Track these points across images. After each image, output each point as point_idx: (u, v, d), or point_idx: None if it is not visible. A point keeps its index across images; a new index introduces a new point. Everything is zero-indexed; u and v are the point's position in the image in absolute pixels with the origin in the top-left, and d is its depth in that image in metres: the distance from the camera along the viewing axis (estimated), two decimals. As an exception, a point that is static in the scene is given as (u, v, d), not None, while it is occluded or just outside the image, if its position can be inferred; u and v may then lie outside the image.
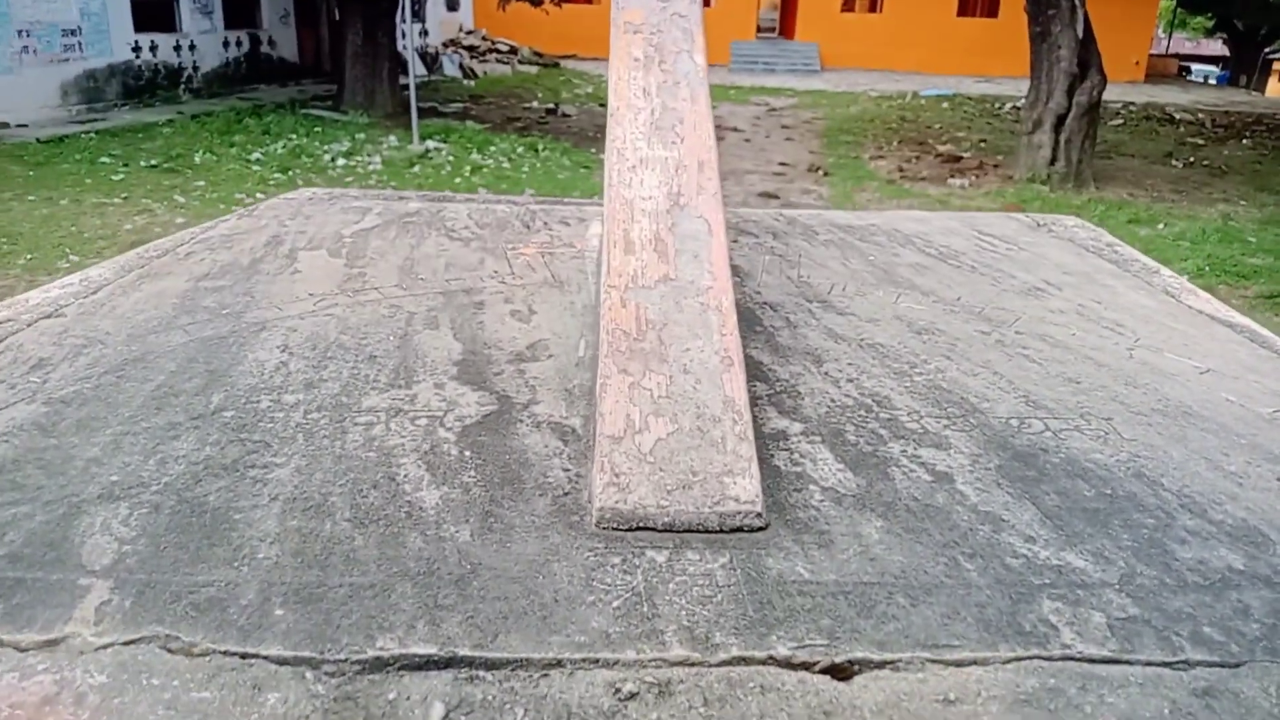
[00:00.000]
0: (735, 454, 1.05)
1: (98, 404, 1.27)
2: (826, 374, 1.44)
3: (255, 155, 8.87)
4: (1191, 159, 11.81)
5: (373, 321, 1.61)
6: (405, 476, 1.10)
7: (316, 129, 10.35)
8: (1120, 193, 9.55)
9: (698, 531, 1.00)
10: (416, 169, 8.94)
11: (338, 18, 11.72)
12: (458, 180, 8.62)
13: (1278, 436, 1.28)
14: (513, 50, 20.73)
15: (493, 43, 21.23)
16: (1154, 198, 9.46)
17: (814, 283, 1.90)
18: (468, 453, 1.17)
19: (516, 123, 12.28)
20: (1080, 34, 9.07)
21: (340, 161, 8.97)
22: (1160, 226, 8.17)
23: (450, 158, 9.45)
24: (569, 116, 13.54)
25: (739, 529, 1.00)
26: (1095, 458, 1.20)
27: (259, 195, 7.47)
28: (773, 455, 1.18)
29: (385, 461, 1.14)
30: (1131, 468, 1.18)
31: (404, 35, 12.23)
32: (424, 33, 17.70)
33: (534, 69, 19.23)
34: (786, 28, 22.94)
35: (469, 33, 21.79)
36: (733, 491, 1.01)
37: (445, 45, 19.81)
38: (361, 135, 10.20)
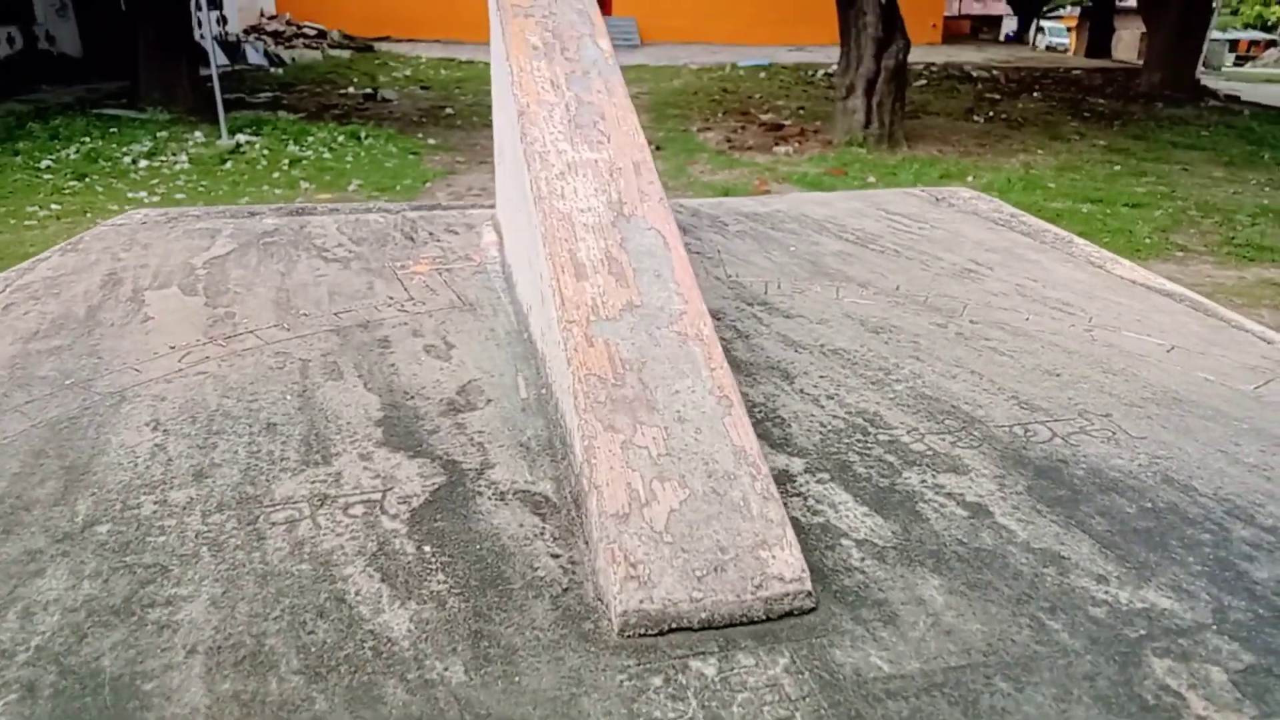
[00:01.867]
0: (765, 519, 0.89)
1: (-85, 535, 0.97)
2: (803, 391, 1.29)
3: (45, 163, 7.94)
4: (991, 114, 12.55)
5: (259, 376, 1.34)
6: (358, 594, 0.88)
7: (112, 130, 9.40)
8: (931, 150, 10.02)
9: (740, 625, 0.83)
10: (229, 165, 8.27)
11: (123, 8, 10.63)
12: (276, 174, 8.03)
13: (1273, 416, 1.23)
14: (321, 34, 19.64)
15: (299, 27, 20.04)
16: (961, 153, 9.99)
17: (745, 282, 1.76)
18: (427, 548, 0.95)
19: (334, 110, 11.61)
20: (884, 0, 9.41)
21: (142, 163, 8.18)
22: (970, 179, 8.60)
23: (265, 151, 8.79)
24: (390, 101, 12.93)
25: (788, 614, 0.84)
26: (1117, 464, 1.11)
27: (53, 207, 6.70)
28: (786, 503, 1.02)
29: (325, 574, 0.90)
30: (1157, 472, 1.10)
31: (200, 24, 11.28)
32: (222, 20, 16.43)
33: (346, 53, 18.28)
34: (604, 3, 22.79)
35: (272, 18, 20.49)
36: (774, 569, 0.85)
37: (247, 32, 18.54)
38: (164, 133, 9.35)
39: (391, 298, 1.67)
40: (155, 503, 1.02)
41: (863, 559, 0.93)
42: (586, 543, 0.93)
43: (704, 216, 2.25)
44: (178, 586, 0.89)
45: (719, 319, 1.57)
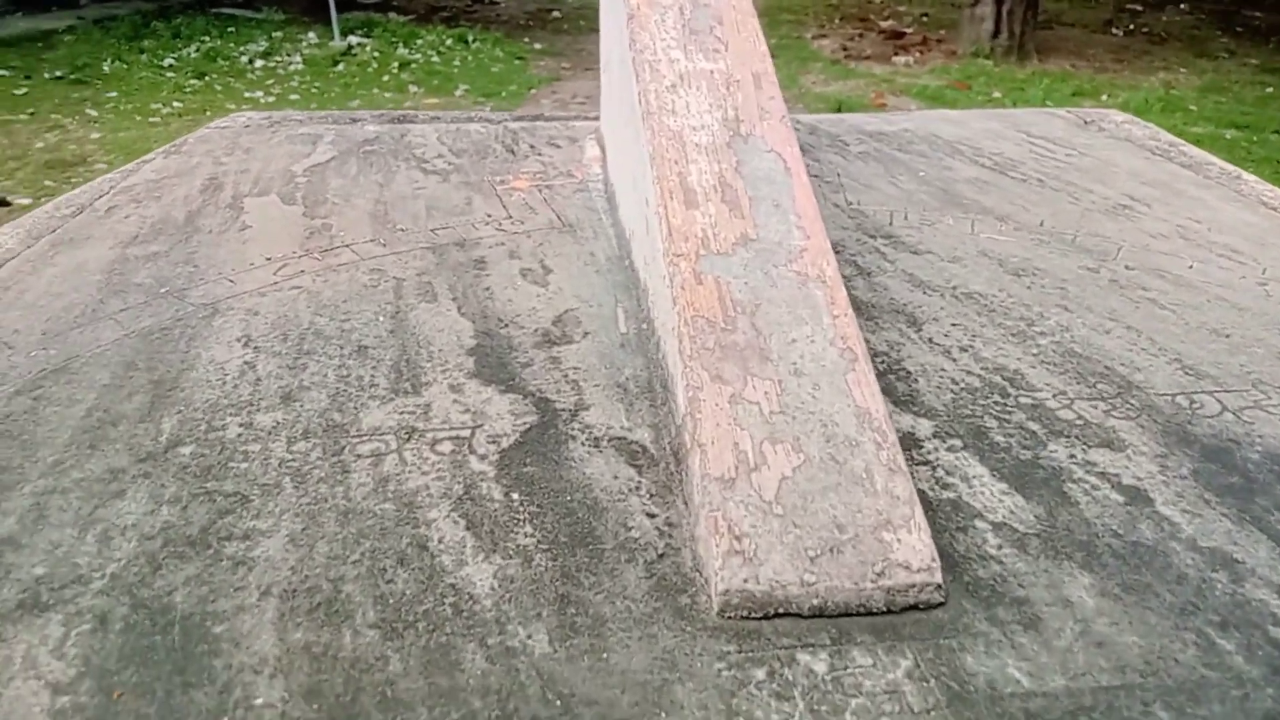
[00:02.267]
0: (890, 495, 0.78)
1: (7, 444, 0.95)
2: (932, 341, 1.16)
3: (167, 61, 8.11)
4: (1131, 26, 11.49)
5: (353, 294, 1.29)
6: (441, 542, 0.82)
7: (230, 30, 9.51)
8: (1063, 64, 9.25)
9: (857, 615, 0.73)
10: (340, 67, 8.27)
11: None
12: (386, 78, 8.00)
13: None
14: (436, -68, 19.34)
15: (413, -76, 19.77)
16: (1096, 68, 9.19)
17: (868, 210, 1.61)
18: (515, 495, 0.88)
19: (442, 12, 11.46)
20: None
21: (259, 63, 8.26)
22: (1104, 98, 7.95)
23: (375, 54, 8.75)
24: (497, 4, 12.70)
25: (912, 606, 0.74)
26: (1302, 449, 0.96)
27: (175, 104, 6.85)
28: (913, 473, 0.91)
29: (409, 517, 0.85)
30: (1353, 462, 0.94)
31: (316, -79, 11.22)
32: (340, -85, 16.31)
33: (461, -48, 17.97)
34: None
35: (388, -86, 20.26)
36: (898, 554, 0.75)
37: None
38: (279, 34, 9.41)
39: (489, 215, 1.58)
40: (241, 425, 0.98)
41: (1000, 546, 0.82)
42: (686, 504, 0.84)
43: (823, 134, 2.08)
44: (257, 519, 0.84)
45: (837, 252, 1.44)
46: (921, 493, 0.88)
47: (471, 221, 1.56)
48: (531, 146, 1.98)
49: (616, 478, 0.91)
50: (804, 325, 0.92)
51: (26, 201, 4.93)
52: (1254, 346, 1.16)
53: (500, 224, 1.55)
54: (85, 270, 1.37)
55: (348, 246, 1.45)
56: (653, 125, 1.12)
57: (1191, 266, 1.39)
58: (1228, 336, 1.19)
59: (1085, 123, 2.19)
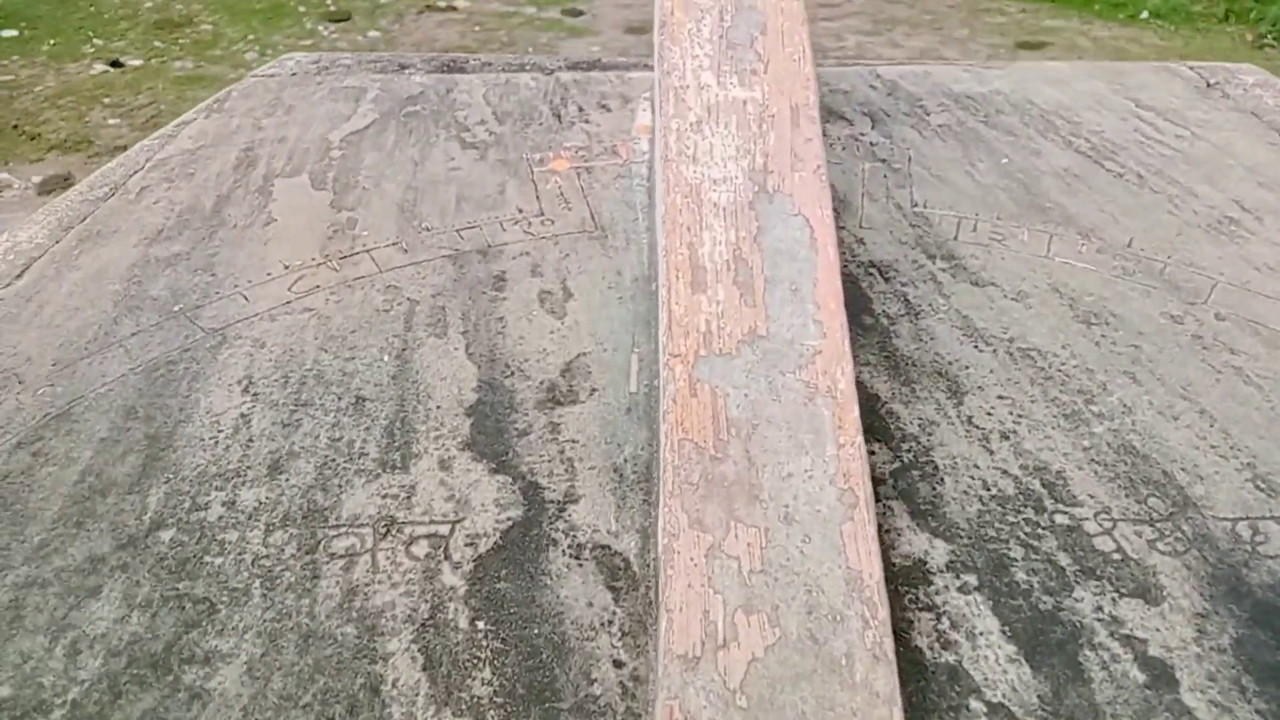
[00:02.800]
0: (869, 690, 0.71)
1: (1, 513, 0.96)
2: (971, 422, 1.05)
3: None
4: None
5: (362, 322, 1.24)
6: (395, 685, 0.79)
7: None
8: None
9: (815, 830, 0.68)
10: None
11: None
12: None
13: None
14: None
15: None
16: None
17: (934, 216, 1.46)
18: (481, 624, 0.84)
19: None
20: None
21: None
22: None
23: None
24: None
25: (876, 826, 0.68)
26: (1377, 616, 0.83)
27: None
28: (912, 623, 0.83)
29: (368, 648, 0.82)
30: None
31: None
32: None
33: None
34: None
35: None
36: (867, 766, 0.68)
37: None
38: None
39: (520, 210, 1.50)
40: (224, 505, 0.97)
41: (990, 739, 0.74)
42: (650, 671, 0.79)
43: (902, 96, 1.89)
44: (220, 636, 0.83)
45: (885, 276, 1.31)
46: (918, 652, 0.81)
47: (500, 218, 1.48)
48: (580, 109, 1.85)
49: (591, 604, 0.86)
50: (804, 455, 0.83)
51: (138, 63, 5.02)
52: (1349, 449, 1.01)
53: (529, 223, 1.47)
54: (105, 277, 1.35)
55: (369, 252, 1.39)
56: (669, 176, 1.01)
57: (1296, 318, 1.22)
58: (1320, 432, 1.04)
59: (1208, 85, 1.92)
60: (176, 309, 1.28)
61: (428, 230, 1.45)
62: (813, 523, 0.79)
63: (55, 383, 1.15)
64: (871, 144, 1.69)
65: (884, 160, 1.63)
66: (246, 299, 1.30)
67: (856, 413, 0.85)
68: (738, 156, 1.03)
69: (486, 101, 1.90)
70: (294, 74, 2.08)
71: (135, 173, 1.66)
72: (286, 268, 1.36)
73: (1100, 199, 1.49)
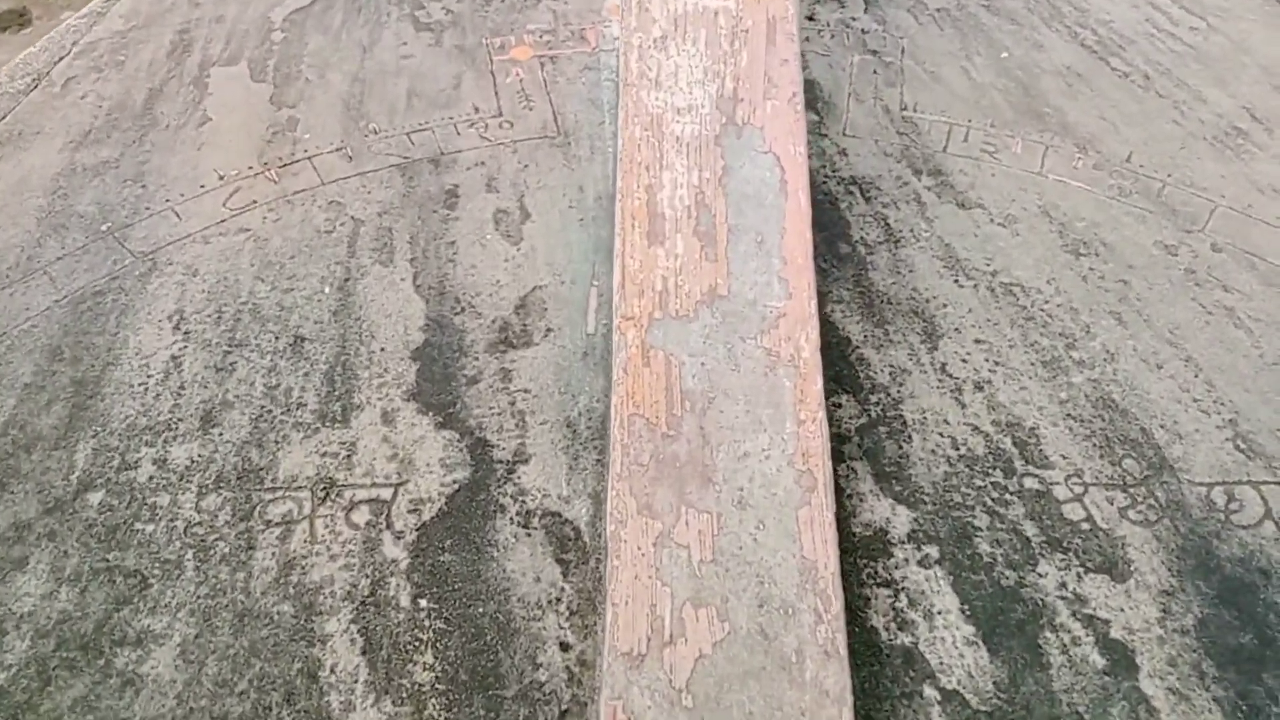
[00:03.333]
0: (819, 688, 0.69)
1: (-82, 472, 0.91)
2: (945, 369, 1.00)
3: None
4: None
5: (303, 246, 1.15)
6: (333, 671, 0.76)
7: None
8: None
9: (756, 832, 0.67)
10: None
11: None
12: None
13: None
14: None
15: None
16: None
17: (923, 123, 1.35)
18: (423, 601, 0.81)
19: None
20: None
21: None
22: None
23: None
24: None
25: (818, 829, 0.67)
26: (1345, 596, 0.81)
27: None
28: (869, 600, 0.81)
29: (305, 630, 0.79)
30: (1401, 624, 0.80)
31: None
32: None
33: None
34: None
35: None
36: (811, 772, 0.67)
37: None
38: None
39: (477, 109, 1.38)
40: (154, 461, 0.92)
41: (940, 733, 0.73)
42: (597, 656, 0.77)
43: (899, -27, 1.72)
44: (152, 615, 0.80)
45: (866, 195, 1.22)
46: (874, 633, 0.79)
47: (454, 121, 1.36)
48: (546, -18, 1.69)
49: (539, 580, 0.83)
50: (762, 432, 0.78)
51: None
52: (1336, 404, 0.97)
53: (486, 125, 1.35)
54: (28, 188, 1.25)
55: (310, 160, 1.29)
56: (629, 103, 0.91)
57: (1298, 248, 1.15)
58: (1308, 383, 0.99)
59: (1233, -40, 1.76)
60: (104, 228, 1.19)
61: (375, 133, 1.34)
62: (768, 507, 0.75)
63: (-26, 317, 1.07)
64: (863, 31, 1.55)
65: (875, 52, 1.50)
66: (178, 216, 1.20)
67: (820, 384, 0.80)
68: (705, 80, 0.93)
69: (443, -28, 1.73)
70: (231, -65, 1.88)
71: (60, 59, 1.52)
72: (222, 178, 1.26)
73: (1102, 103, 1.39)
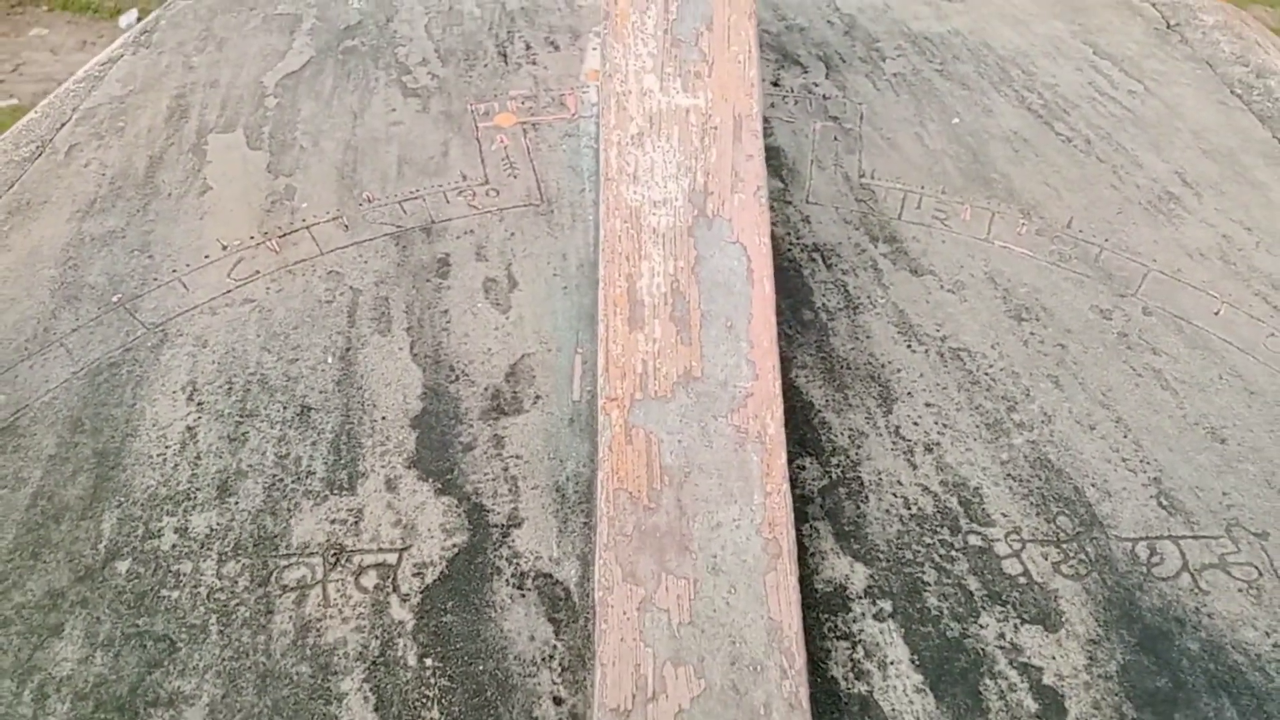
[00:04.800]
0: (782, 740, 0.78)
1: (-46, 543, 0.99)
2: (898, 433, 1.10)
3: None
4: None
5: (305, 316, 1.24)
6: (350, 726, 0.85)
7: None
8: None
9: None
10: None
11: None
12: None
13: None
14: None
15: None
16: None
17: (879, 189, 1.46)
18: (429, 660, 0.90)
19: None
20: None
21: None
22: None
23: None
24: None
25: None
26: (1245, 642, 0.92)
27: None
28: (830, 651, 0.90)
29: (322, 689, 0.87)
30: (1296, 665, 0.90)
31: None
32: None
33: None
34: None
35: None
36: (778, 813, 0.76)
37: None
38: None
39: (465, 176, 1.47)
40: (176, 532, 1.00)
41: (892, 774, 0.83)
42: (587, 708, 0.85)
43: (859, 38, 1.84)
44: (182, 677, 0.88)
45: (828, 263, 1.32)
46: (834, 682, 0.88)
47: (444, 186, 1.45)
48: (527, 46, 1.79)
49: (533, 638, 0.92)
50: (733, 503, 0.88)
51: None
52: (1246, 462, 1.08)
53: (474, 193, 1.44)
54: (40, 260, 1.32)
55: (309, 229, 1.37)
56: (609, 198, 1.00)
57: (1219, 312, 1.26)
58: (1223, 442, 1.10)
59: (1169, 25, 1.89)
60: (115, 299, 1.26)
61: (369, 202, 1.42)
62: (739, 572, 0.85)
63: (-3, 389, 1.14)
64: (825, 97, 1.66)
65: (836, 118, 1.61)
66: (186, 286, 1.28)
67: (784, 458, 0.89)
68: (678, 175, 1.03)
69: (429, 34, 1.83)
70: (223, -3, 1.96)
71: (63, 125, 1.59)
72: (225, 248, 1.34)
73: (1046, 169, 1.50)
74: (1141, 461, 1.08)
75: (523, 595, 0.95)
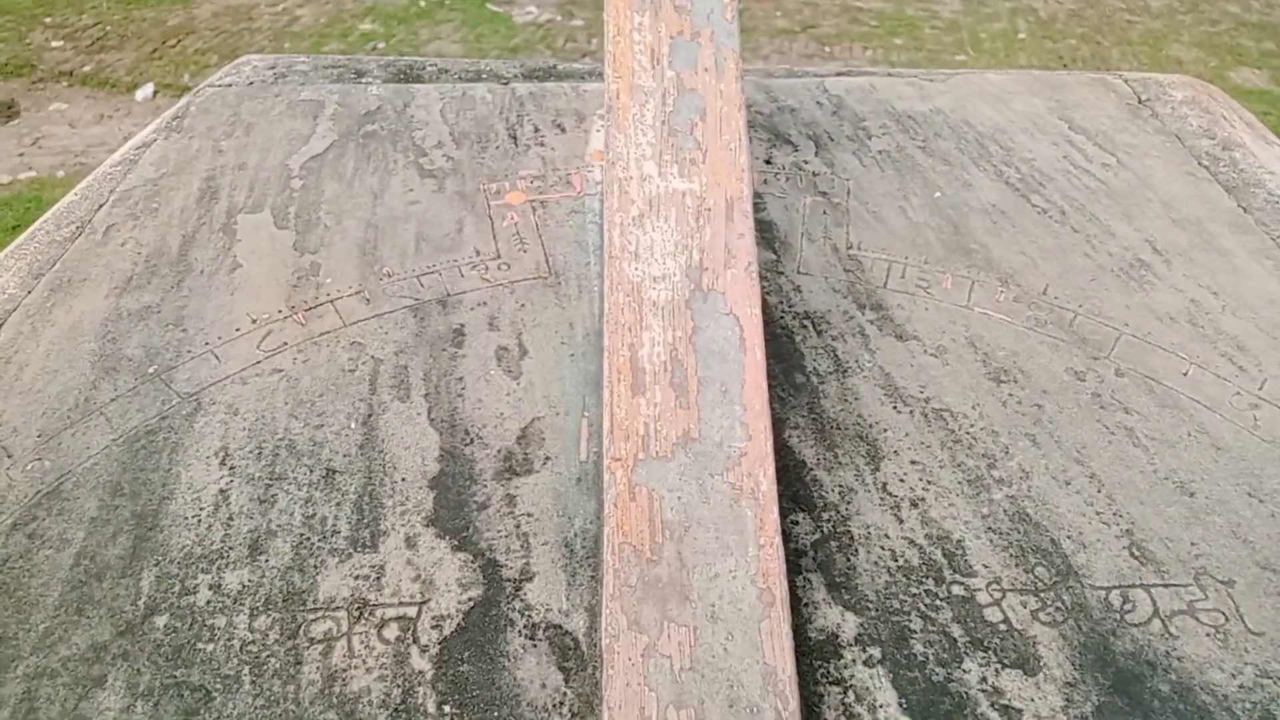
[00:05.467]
0: (777, 777, 0.84)
1: (5, 601, 1.06)
2: (885, 489, 1.17)
3: None
4: None
5: (330, 385, 1.32)
6: (374, 768, 0.91)
7: None
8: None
9: None
10: None
11: None
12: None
13: None
14: None
15: None
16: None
17: (866, 259, 1.55)
18: (447, 709, 0.96)
19: None
20: None
21: None
22: None
23: None
24: None
25: None
26: (1213, 682, 0.98)
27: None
28: (822, 696, 0.96)
29: (350, 733, 0.94)
30: (1257, 706, 0.96)
31: None
32: None
33: None
34: None
35: None
36: (774, 845, 0.82)
37: None
38: None
39: (478, 252, 1.57)
40: (211, 589, 1.07)
41: (880, 810, 0.88)
42: (596, 749, 0.92)
43: (847, 115, 1.96)
44: (217, 724, 0.94)
45: (818, 329, 1.41)
46: (825, 725, 0.94)
47: (459, 262, 1.55)
48: (535, 129, 1.91)
49: (544, 687, 0.98)
50: (729, 556, 0.95)
51: None
52: (1213, 514, 1.15)
53: (486, 267, 1.54)
54: (80, 334, 1.42)
55: (333, 303, 1.47)
56: (613, 274, 1.10)
57: (1187, 373, 1.34)
58: (1191, 496, 1.17)
59: (1140, 101, 2.01)
60: (151, 370, 1.35)
61: (389, 277, 1.52)
62: (735, 621, 0.91)
63: (43, 456, 1.23)
64: (814, 174, 1.76)
65: (824, 194, 1.71)
66: (218, 358, 1.37)
67: (776, 513, 0.97)
68: (676, 253, 1.12)
69: (444, 118, 1.95)
70: (250, 82, 2.10)
71: (100, 207, 1.70)
72: (254, 321, 1.43)
73: (1023, 240, 1.60)
74: (1114, 514, 1.15)
75: (534, 645, 1.02)
